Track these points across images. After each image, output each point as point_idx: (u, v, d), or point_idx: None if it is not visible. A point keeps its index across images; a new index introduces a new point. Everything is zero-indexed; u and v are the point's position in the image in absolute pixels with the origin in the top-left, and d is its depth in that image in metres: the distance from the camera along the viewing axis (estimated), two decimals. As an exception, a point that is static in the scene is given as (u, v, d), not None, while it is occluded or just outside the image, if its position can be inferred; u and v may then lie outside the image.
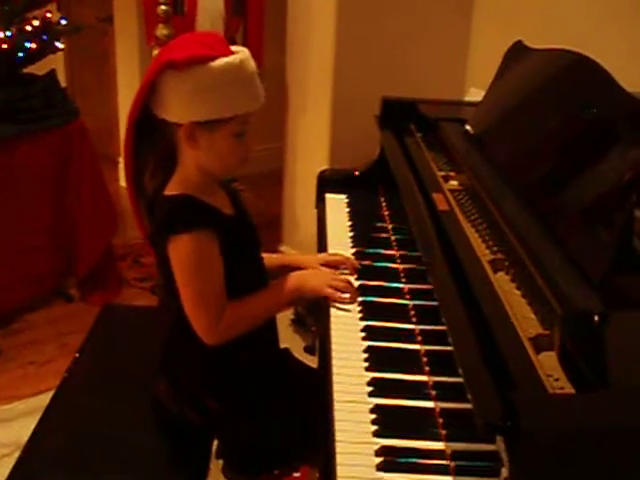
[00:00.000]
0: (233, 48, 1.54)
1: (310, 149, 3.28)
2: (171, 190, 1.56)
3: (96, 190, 3.32)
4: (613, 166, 1.33)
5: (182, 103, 1.49)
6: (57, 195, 3.23)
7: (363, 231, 1.99)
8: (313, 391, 1.45)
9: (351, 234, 1.97)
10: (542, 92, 1.75)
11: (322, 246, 1.93)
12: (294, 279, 1.66)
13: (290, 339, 3.01)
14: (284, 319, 3.13)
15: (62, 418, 1.73)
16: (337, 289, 1.62)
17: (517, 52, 1.97)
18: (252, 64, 1.54)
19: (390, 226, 2.01)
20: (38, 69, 3.24)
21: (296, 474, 1.82)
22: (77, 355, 1.96)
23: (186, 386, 1.65)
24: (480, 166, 1.76)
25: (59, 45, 3.20)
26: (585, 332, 1.06)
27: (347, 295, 1.62)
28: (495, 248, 1.50)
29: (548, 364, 1.10)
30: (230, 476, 1.70)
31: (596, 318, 1.08)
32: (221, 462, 1.71)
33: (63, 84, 3.92)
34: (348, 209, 2.15)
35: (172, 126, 1.52)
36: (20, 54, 2.97)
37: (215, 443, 1.75)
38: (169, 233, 1.50)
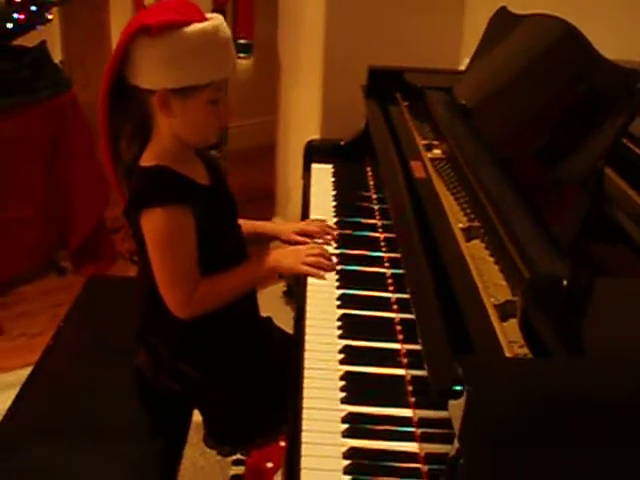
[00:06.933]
0: (207, 15, 1.53)
1: (303, 121, 3.24)
2: (147, 160, 1.55)
3: (88, 162, 3.29)
4: (595, 134, 1.31)
5: (155, 69, 1.47)
6: (49, 167, 3.20)
7: (347, 200, 1.97)
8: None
9: (334, 203, 1.96)
10: (529, 62, 1.71)
11: (305, 215, 1.91)
12: (269, 259, 1.65)
13: (282, 310, 3.01)
14: (276, 290, 3.13)
15: (44, 387, 1.74)
16: (312, 265, 1.61)
17: (502, 19, 1.93)
18: (226, 30, 1.52)
19: (375, 196, 1.99)
20: (32, 42, 3.21)
21: (282, 443, 1.82)
22: (61, 325, 1.97)
23: (164, 355, 1.65)
24: (462, 134, 1.74)
25: (49, 16, 3.16)
26: (551, 297, 1.05)
27: (322, 272, 1.60)
28: (473, 216, 1.49)
29: (513, 331, 1.09)
30: (211, 445, 1.71)
31: (564, 282, 1.07)
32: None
33: (59, 57, 3.90)
34: (333, 179, 2.13)
35: (146, 93, 1.50)
36: (9, 25, 2.94)
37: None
38: (142, 206, 1.49)
